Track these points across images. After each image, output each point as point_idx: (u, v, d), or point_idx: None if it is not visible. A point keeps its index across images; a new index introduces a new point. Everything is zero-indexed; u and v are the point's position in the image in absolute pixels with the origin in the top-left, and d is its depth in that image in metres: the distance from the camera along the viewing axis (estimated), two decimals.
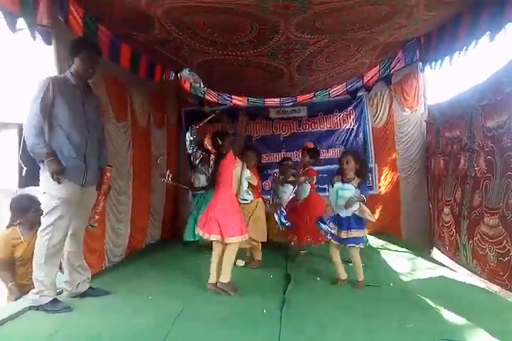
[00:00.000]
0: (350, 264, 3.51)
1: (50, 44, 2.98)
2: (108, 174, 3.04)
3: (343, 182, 3.25)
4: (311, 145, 4.47)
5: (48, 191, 2.68)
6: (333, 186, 3.32)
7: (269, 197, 4.85)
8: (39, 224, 2.73)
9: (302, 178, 4.23)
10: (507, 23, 3.06)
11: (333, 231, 3.32)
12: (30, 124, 2.57)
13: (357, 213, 3.21)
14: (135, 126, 4.57)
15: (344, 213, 3.24)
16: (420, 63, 5.20)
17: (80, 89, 2.81)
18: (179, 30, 3.32)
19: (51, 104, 2.63)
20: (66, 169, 2.65)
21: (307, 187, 4.28)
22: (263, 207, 4.22)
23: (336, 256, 3.42)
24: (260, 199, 4.21)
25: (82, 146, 2.77)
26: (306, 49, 3.78)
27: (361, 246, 3.29)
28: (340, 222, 3.29)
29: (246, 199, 3.91)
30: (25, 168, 3.76)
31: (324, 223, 3.37)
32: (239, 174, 3.31)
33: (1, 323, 2.42)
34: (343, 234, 3.24)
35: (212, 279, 3.19)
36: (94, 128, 2.91)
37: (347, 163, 3.24)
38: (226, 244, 3.14)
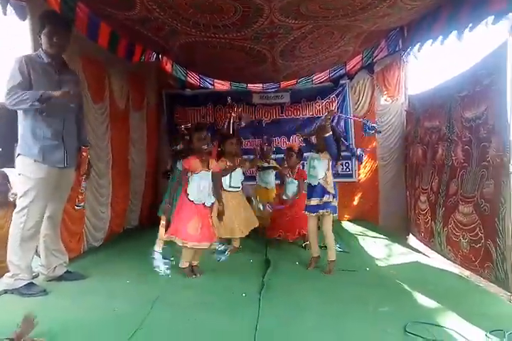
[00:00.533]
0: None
1: (24, 19, 2.85)
2: (84, 154, 2.97)
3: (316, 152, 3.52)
4: (296, 147, 4.37)
5: (23, 172, 2.61)
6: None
7: (253, 182, 4.89)
8: (12, 204, 2.66)
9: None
10: (488, 16, 3.07)
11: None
12: (9, 101, 2.49)
13: (321, 182, 3.37)
14: (113, 108, 4.45)
15: (314, 181, 3.42)
16: (403, 53, 5.23)
17: (54, 67, 2.71)
18: (161, 10, 3.21)
19: (28, 80, 2.54)
20: (42, 151, 2.58)
21: (295, 189, 4.20)
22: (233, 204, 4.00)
23: (314, 230, 3.52)
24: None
25: (59, 127, 2.69)
26: (290, 34, 3.74)
27: (334, 214, 3.45)
28: (311, 190, 3.46)
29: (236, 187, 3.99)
30: None
31: None
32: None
33: None
34: (315, 202, 3.40)
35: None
36: (72, 108, 2.82)
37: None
38: None
